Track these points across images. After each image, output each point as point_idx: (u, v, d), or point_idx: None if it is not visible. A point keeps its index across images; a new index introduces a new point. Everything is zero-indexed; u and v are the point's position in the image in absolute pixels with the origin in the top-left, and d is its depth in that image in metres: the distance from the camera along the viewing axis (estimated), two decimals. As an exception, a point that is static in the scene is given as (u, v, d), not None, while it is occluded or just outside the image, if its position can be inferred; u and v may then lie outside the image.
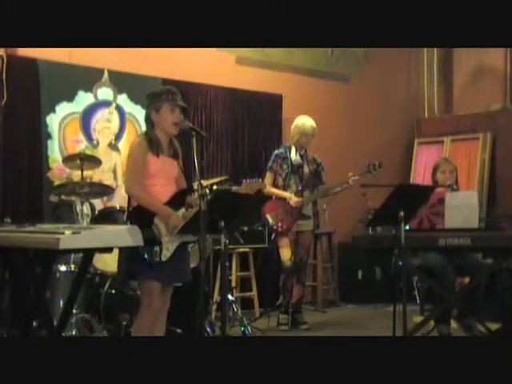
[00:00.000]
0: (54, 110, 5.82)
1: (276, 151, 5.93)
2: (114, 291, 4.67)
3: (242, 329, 5.17)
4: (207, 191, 3.51)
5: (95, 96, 6.07)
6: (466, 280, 5.20)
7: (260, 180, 3.91)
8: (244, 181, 3.81)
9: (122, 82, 6.16)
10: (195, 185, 3.61)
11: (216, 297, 5.93)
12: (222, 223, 3.51)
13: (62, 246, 2.84)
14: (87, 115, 6.03)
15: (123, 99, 6.22)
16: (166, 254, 3.55)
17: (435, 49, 8.65)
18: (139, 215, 3.57)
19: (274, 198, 5.69)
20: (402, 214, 4.18)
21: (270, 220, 5.71)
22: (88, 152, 5.68)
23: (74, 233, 2.93)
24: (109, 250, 3.31)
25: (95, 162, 5.32)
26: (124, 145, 6.13)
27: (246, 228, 5.89)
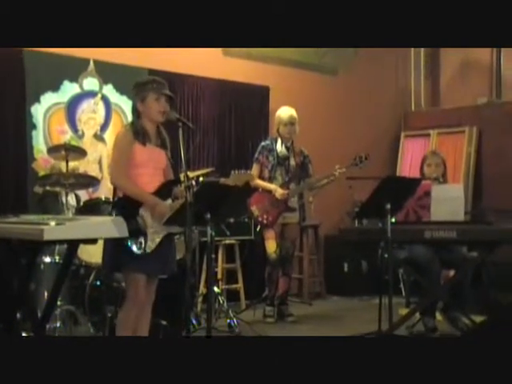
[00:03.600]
0: (38, 100, 5.76)
1: (262, 143, 5.92)
2: (99, 283, 4.64)
3: (228, 321, 5.16)
4: (193, 183, 3.50)
5: (81, 86, 6.02)
6: (452, 273, 5.23)
7: (248, 171, 3.89)
8: (232, 172, 3.80)
9: (108, 72, 6.11)
10: (182, 176, 3.59)
11: (202, 289, 5.92)
12: (209, 215, 3.50)
13: (47, 237, 2.81)
14: (72, 106, 5.98)
15: (109, 90, 6.17)
16: (151, 246, 3.53)
17: (422, 42, 8.66)
18: (124, 206, 3.55)
19: (260, 190, 5.67)
20: (388, 206, 4.19)
21: (256, 212, 5.69)
22: (73, 143, 5.63)
23: (58, 224, 2.90)
24: (93, 241, 3.27)
25: (80, 152, 5.27)
26: (109, 136, 6.08)
27: (232, 220, 5.87)
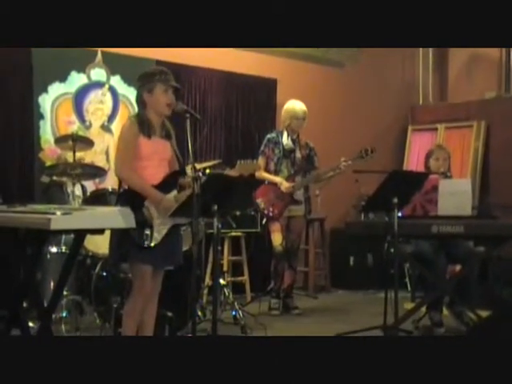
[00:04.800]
0: (46, 91, 5.77)
1: (268, 136, 5.90)
2: (105, 273, 4.65)
3: (233, 313, 5.16)
4: (200, 174, 3.49)
5: (88, 77, 6.02)
6: (458, 268, 5.21)
7: (254, 161, 3.88)
8: (238, 162, 3.78)
9: (116, 63, 6.11)
10: (189, 168, 3.58)
11: (207, 281, 5.92)
12: (215, 207, 3.50)
13: (53, 226, 2.81)
14: (80, 96, 5.98)
15: (116, 80, 6.17)
16: (157, 237, 3.53)
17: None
18: (130, 198, 3.54)
19: (265, 182, 5.67)
20: (395, 200, 4.18)
21: (261, 205, 5.69)
22: (80, 133, 5.64)
23: (65, 213, 2.90)
24: (100, 231, 3.28)
25: (87, 143, 5.28)
26: (117, 126, 6.08)
27: (238, 212, 5.87)
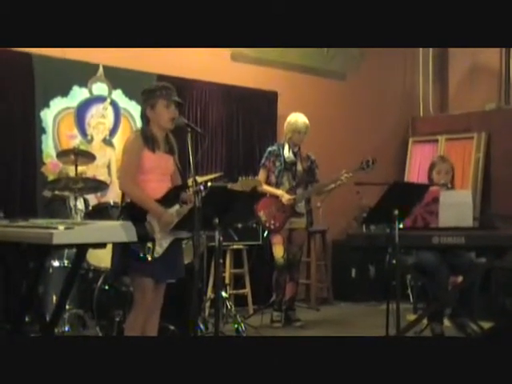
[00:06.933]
0: (48, 105, 5.79)
1: (269, 148, 5.91)
2: (107, 287, 4.65)
3: (236, 326, 5.16)
4: (202, 188, 3.51)
5: (90, 91, 6.05)
6: (460, 279, 5.21)
7: (256, 177, 3.91)
8: (240, 178, 3.81)
9: (117, 77, 6.14)
10: (190, 181, 3.60)
11: (209, 294, 5.92)
12: (217, 220, 3.51)
13: (56, 241, 2.82)
14: (82, 110, 6.01)
15: (118, 95, 6.20)
16: (159, 251, 3.54)
17: (430, 47, 8.66)
18: (132, 211, 3.56)
19: (267, 195, 5.68)
20: (396, 212, 4.18)
21: (263, 217, 5.70)
22: (82, 147, 5.66)
23: (67, 228, 2.92)
24: (102, 245, 3.29)
25: (89, 157, 5.30)
26: (118, 140, 6.11)
27: (240, 225, 5.88)
